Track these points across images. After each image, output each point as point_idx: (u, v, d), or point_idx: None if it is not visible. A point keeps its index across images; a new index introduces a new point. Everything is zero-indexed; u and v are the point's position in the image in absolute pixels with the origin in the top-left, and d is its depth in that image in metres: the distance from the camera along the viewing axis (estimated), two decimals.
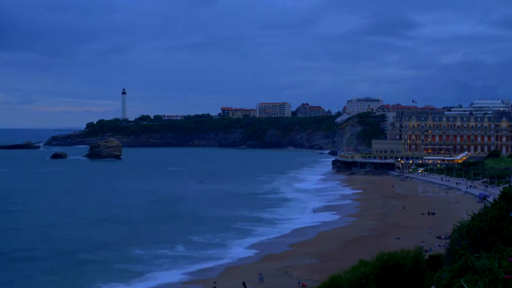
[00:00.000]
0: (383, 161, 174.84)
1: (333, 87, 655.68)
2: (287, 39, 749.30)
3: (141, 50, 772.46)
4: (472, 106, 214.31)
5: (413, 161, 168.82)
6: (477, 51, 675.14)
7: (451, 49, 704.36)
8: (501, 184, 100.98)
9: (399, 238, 62.86)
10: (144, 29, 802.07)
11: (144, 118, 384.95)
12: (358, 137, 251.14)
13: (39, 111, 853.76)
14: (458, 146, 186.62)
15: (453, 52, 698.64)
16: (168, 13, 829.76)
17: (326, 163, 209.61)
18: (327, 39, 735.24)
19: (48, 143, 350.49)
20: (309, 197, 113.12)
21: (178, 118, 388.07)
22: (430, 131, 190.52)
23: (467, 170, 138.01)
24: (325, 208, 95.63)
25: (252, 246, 65.98)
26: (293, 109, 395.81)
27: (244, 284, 47.17)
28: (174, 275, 53.11)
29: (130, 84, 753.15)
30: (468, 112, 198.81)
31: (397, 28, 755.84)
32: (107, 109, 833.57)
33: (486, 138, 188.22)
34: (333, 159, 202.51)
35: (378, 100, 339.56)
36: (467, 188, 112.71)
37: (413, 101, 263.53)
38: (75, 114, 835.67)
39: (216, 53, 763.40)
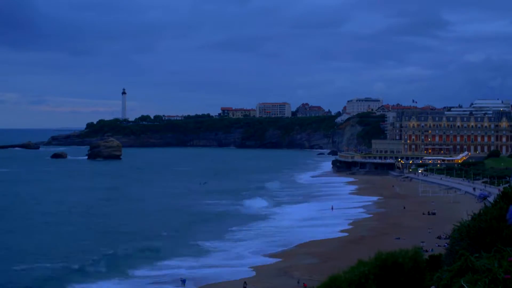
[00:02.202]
0: (383, 161, 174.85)
1: (347, 87, 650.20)
2: (311, 39, 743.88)
3: (162, 50, 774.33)
4: (472, 106, 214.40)
5: (413, 161, 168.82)
6: (502, 50, 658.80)
7: (477, 48, 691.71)
8: (501, 184, 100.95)
9: (399, 238, 62.84)
10: (171, 28, 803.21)
11: (144, 118, 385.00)
12: (358, 137, 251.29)
13: (48, 111, 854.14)
14: (458, 146, 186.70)
15: (479, 51, 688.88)
16: (197, 13, 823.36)
17: (326, 163, 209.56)
18: (354, 38, 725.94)
19: (48, 143, 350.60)
20: (309, 197, 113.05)
21: (178, 118, 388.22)
22: (430, 131, 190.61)
23: (467, 170, 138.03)
24: (325, 208, 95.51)
25: (251, 246, 65.88)
26: (293, 109, 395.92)
27: (245, 283, 47.14)
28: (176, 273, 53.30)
29: (140, 84, 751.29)
30: (468, 112, 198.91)
31: (428, 28, 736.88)
32: (116, 109, 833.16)
33: (486, 138, 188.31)
34: (333, 159, 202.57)
35: (378, 100, 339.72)
36: (474, 190, 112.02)
37: (413, 101, 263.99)
38: (82, 114, 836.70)
39: (236, 53, 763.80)
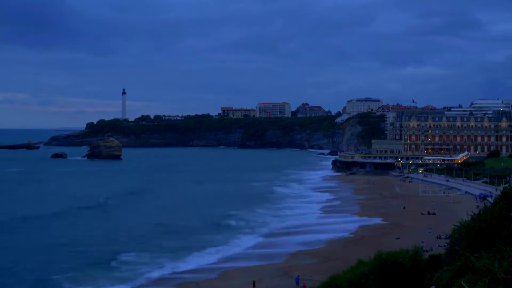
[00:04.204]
0: (383, 161, 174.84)
1: (358, 86, 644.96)
2: (333, 39, 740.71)
3: (180, 50, 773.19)
4: (472, 106, 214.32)
5: (413, 161, 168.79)
6: None
7: (501, 47, 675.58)
8: (501, 184, 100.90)
9: (399, 238, 62.83)
10: (193, 27, 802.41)
11: (144, 118, 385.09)
12: (358, 137, 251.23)
13: (54, 112, 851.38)
14: (458, 146, 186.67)
15: (502, 50, 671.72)
16: (222, 11, 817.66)
17: (326, 163, 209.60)
18: (378, 38, 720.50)
19: (48, 143, 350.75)
20: (309, 197, 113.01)
21: (178, 118, 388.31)
22: (430, 131, 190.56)
23: (467, 170, 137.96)
24: (325, 208, 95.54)
25: (251, 246, 65.88)
26: (293, 109, 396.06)
27: (254, 283, 47.14)
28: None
29: (149, 84, 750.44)
30: (468, 112, 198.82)
31: (459, 27, 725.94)
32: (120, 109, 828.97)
33: (486, 138, 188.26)
34: (333, 159, 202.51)
35: (378, 100, 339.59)
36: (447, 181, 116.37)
37: (413, 101, 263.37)
38: (88, 114, 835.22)
39: (252, 54, 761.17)
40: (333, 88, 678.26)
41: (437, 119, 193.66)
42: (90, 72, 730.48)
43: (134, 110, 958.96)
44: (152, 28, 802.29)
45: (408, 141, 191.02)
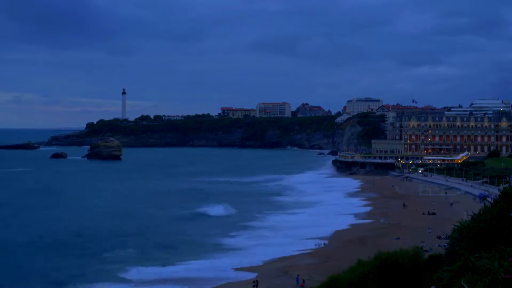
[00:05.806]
0: (383, 161, 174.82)
1: (368, 86, 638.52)
2: (352, 39, 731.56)
3: (195, 50, 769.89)
4: (472, 106, 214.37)
5: (413, 161, 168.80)
6: None
7: None
8: (501, 184, 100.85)
9: (399, 238, 62.84)
10: (213, 26, 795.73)
11: (144, 118, 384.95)
12: (358, 137, 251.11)
13: (60, 111, 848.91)
14: (458, 146, 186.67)
15: None
16: (243, 11, 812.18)
17: (326, 163, 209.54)
18: (398, 38, 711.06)
19: (48, 143, 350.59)
20: (309, 197, 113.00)
21: (178, 118, 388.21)
22: (430, 131, 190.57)
23: (467, 170, 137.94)
24: (324, 208, 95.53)
25: (251, 247, 65.91)
26: (293, 109, 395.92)
27: (256, 282, 47.13)
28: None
29: (152, 84, 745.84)
30: (468, 112, 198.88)
31: (484, 27, 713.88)
32: (129, 109, 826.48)
33: (486, 138, 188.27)
34: (333, 159, 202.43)
35: (378, 100, 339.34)
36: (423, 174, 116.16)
37: (413, 101, 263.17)
38: (93, 114, 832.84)
39: (269, 53, 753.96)
40: (343, 88, 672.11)
41: (437, 119, 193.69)
42: (100, 72, 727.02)
43: (137, 110, 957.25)
44: (174, 28, 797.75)
45: (408, 141, 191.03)
